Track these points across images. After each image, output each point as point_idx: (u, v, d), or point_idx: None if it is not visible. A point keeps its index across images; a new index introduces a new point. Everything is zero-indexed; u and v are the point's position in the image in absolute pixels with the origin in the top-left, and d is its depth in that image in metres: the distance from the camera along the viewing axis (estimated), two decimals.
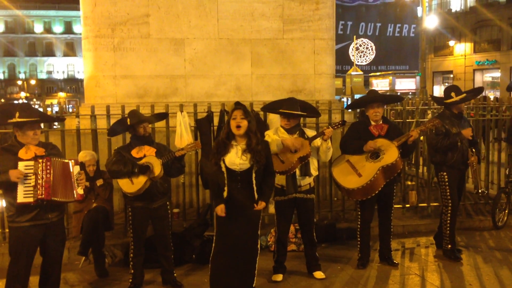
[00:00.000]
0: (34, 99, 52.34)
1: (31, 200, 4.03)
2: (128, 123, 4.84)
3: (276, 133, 5.04)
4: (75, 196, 4.31)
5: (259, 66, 8.02)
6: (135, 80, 7.69)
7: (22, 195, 4.01)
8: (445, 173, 5.62)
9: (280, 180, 4.99)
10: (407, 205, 7.12)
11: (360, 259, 5.49)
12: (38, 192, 4.03)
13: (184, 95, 7.75)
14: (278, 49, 8.05)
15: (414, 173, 7.48)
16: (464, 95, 5.60)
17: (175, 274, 5.06)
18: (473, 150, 5.62)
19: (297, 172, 4.96)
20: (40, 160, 4.08)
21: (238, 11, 7.87)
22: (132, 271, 4.92)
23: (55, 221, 4.27)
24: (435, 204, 7.10)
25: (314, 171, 5.12)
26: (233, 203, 4.20)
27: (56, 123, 7.02)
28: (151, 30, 7.68)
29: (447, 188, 5.63)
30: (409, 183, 7.71)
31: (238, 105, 4.33)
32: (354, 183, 5.19)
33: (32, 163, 4.07)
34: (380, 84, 32.54)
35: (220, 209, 4.17)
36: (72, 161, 4.35)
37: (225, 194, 4.20)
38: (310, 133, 5.18)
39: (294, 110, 5.07)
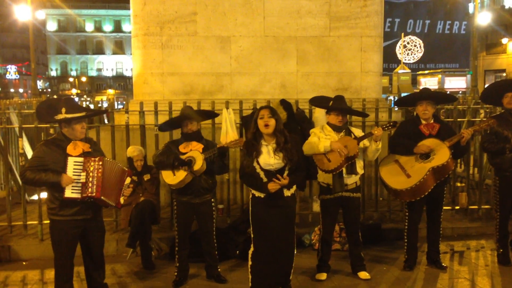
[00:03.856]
0: (85, 96, 54.06)
1: (78, 196, 4.11)
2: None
3: (322, 131, 4.99)
4: (117, 203, 4.42)
5: (304, 63, 7.97)
6: (181, 77, 7.80)
7: (70, 191, 4.09)
8: (497, 178, 5.41)
9: (326, 178, 4.95)
10: (457, 207, 6.91)
11: (407, 261, 5.36)
12: (89, 190, 4.10)
13: (230, 92, 7.80)
14: (324, 47, 7.97)
15: (465, 174, 7.25)
16: None
17: (219, 269, 5.11)
18: None
19: (344, 170, 4.88)
20: (93, 159, 4.16)
21: (284, 8, 7.85)
22: (178, 264, 5.00)
23: (94, 216, 4.34)
24: (486, 206, 6.87)
25: (360, 170, 5.04)
26: (270, 200, 4.21)
27: (106, 120, 7.22)
28: (198, 28, 7.76)
29: (497, 194, 5.42)
30: (459, 184, 7.47)
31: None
32: (402, 184, 5.05)
33: (81, 159, 4.14)
34: (429, 83, 31.75)
35: (272, 185, 4.11)
36: (128, 171, 4.48)
37: (262, 194, 4.21)
38: (357, 132, 5.11)
39: (344, 107, 5.03)
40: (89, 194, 4.12)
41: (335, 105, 5.05)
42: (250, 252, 4.37)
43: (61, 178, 4.06)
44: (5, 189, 6.76)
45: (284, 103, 5.91)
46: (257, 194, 4.26)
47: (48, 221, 4.39)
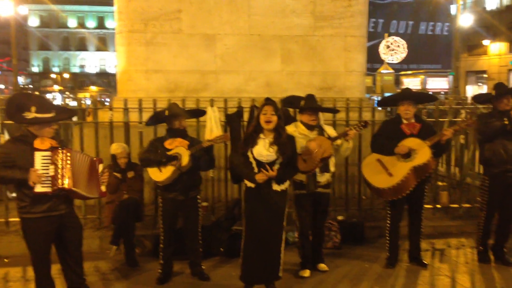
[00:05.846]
0: (67, 92, 53.42)
1: (49, 190, 3.96)
2: (166, 114, 4.92)
3: (296, 129, 5.03)
4: (98, 193, 4.35)
5: (289, 62, 8.01)
6: (166, 75, 7.78)
7: (40, 185, 3.93)
8: (486, 177, 5.47)
9: (300, 176, 4.99)
10: (438, 206, 7.02)
11: (389, 259, 5.44)
12: (59, 181, 3.97)
13: (214, 91, 7.79)
14: (308, 46, 8.02)
15: (447, 173, 7.36)
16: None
17: (203, 267, 5.13)
18: None
19: (317, 168, 4.96)
20: (60, 151, 4.02)
21: (269, 7, 7.88)
22: (162, 261, 5.00)
23: (67, 212, 4.22)
24: (467, 205, 6.98)
25: (332, 167, 5.15)
26: (259, 192, 4.34)
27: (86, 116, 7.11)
28: (183, 25, 7.75)
29: (485, 193, 5.45)
30: (441, 183, 7.58)
31: (270, 100, 4.41)
32: (384, 182, 5.13)
33: (49, 153, 4.00)
34: (412, 83, 32.09)
35: (260, 175, 4.24)
36: (97, 159, 4.39)
37: (253, 184, 4.34)
38: (329, 130, 5.19)
39: (315, 106, 5.10)
40: (60, 186, 3.98)
41: (307, 104, 5.09)
42: (242, 242, 4.50)
43: (28, 174, 3.89)
44: None
45: (268, 101, 5.92)
46: (248, 184, 4.40)
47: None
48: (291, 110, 6.09)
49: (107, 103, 23.15)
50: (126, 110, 6.32)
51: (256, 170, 4.32)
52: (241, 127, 6.32)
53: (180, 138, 4.82)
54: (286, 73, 8.04)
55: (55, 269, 4.43)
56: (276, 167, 4.32)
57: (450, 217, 6.92)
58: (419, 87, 29.93)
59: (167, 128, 4.95)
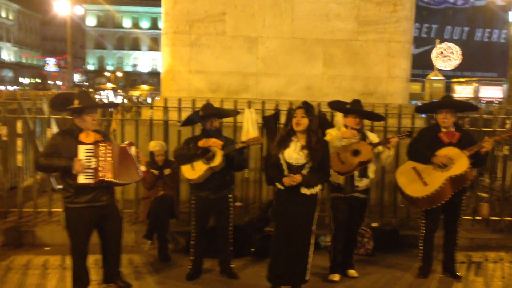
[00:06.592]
0: (119, 90, 55.08)
1: (92, 181, 4.23)
2: (200, 114, 5.05)
3: (338, 133, 5.03)
4: (140, 174, 4.56)
5: (331, 67, 7.98)
6: (208, 76, 7.92)
7: (83, 177, 4.21)
8: None
9: (338, 178, 5.00)
10: (478, 217, 6.81)
11: (421, 268, 5.33)
12: (100, 174, 4.23)
13: (255, 93, 7.88)
14: (351, 51, 7.97)
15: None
16: None
17: (232, 265, 5.20)
18: None
19: (356, 173, 4.95)
20: (101, 144, 4.28)
21: (313, 11, 7.88)
22: (192, 258, 5.11)
23: (109, 203, 4.48)
24: (509, 218, 6.74)
25: (372, 174, 5.10)
26: (288, 195, 4.37)
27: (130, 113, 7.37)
28: (227, 28, 7.87)
29: None
30: (482, 194, 7.35)
31: (303, 104, 4.45)
32: (419, 191, 5.03)
33: (92, 147, 4.26)
34: (464, 91, 31.11)
35: (286, 179, 4.28)
36: (127, 143, 4.59)
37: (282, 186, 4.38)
38: (372, 136, 5.15)
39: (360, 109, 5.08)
40: (101, 178, 4.23)
41: (353, 108, 5.09)
42: (272, 246, 4.58)
43: (73, 162, 4.17)
44: (32, 177, 7.02)
45: (302, 104, 5.95)
46: (278, 186, 4.45)
47: None
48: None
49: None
50: (166, 109, 6.49)
51: (286, 172, 4.34)
52: (277, 129, 6.36)
53: (214, 138, 4.91)
54: (327, 77, 8.02)
55: (91, 260, 4.65)
56: (305, 171, 4.33)
57: (490, 230, 6.70)
58: (471, 95, 28.95)
59: (202, 128, 5.06)
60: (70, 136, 4.33)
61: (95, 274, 4.87)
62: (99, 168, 4.23)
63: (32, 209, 6.40)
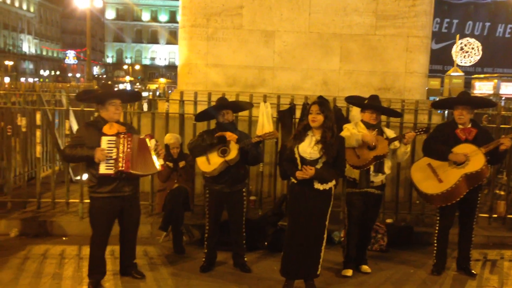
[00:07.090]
0: (137, 83, 55.49)
1: (111, 172, 4.35)
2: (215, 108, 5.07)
3: (355, 128, 5.02)
4: (158, 167, 4.62)
5: (347, 61, 7.95)
6: (225, 69, 7.94)
7: (104, 167, 4.35)
8: None
9: (353, 173, 5.00)
10: (494, 215, 6.74)
11: (435, 265, 5.30)
12: (119, 164, 4.34)
13: (271, 87, 7.88)
14: (368, 45, 7.92)
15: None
16: None
17: (246, 259, 5.23)
18: None
19: (371, 168, 4.94)
20: (122, 135, 4.40)
21: (330, 5, 7.84)
22: (206, 250, 5.16)
23: (131, 194, 4.60)
24: None
25: (387, 170, 5.07)
26: (301, 189, 4.39)
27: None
28: (244, 21, 7.88)
29: None
30: (499, 192, 7.27)
31: (319, 99, 4.47)
32: (433, 188, 4.99)
33: (114, 138, 4.39)
34: (484, 87, 30.54)
35: (299, 172, 4.30)
36: (147, 135, 4.66)
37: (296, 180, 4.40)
38: (389, 132, 5.13)
39: (378, 105, 5.06)
40: (119, 169, 4.33)
41: (370, 103, 5.07)
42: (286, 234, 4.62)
43: (95, 151, 4.31)
44: (51, 168, 7.14)
45: (317, 99, 5.94)
46: (292, 179, 4.47)
47: (89, 200, 4.66)
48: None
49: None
50: (182, 102, 6.54)
51: (300, 166, 4.36)
52: (292, 124, 6.36)
53: (229, 132, 4.93)
54: (344, 72, 7.98)
55: (107, 251, 4.74)
56: (319, 166, 4.33)
57: (507, 227, 6.62)
58: (491, 92, 28.46)
59: (216, 122, 5.09)
60: (95, 128, 4.48)
61: (110, 264, 4.96)
62: (119, 159, 4.34)
63: (50, 200, 6.51)
